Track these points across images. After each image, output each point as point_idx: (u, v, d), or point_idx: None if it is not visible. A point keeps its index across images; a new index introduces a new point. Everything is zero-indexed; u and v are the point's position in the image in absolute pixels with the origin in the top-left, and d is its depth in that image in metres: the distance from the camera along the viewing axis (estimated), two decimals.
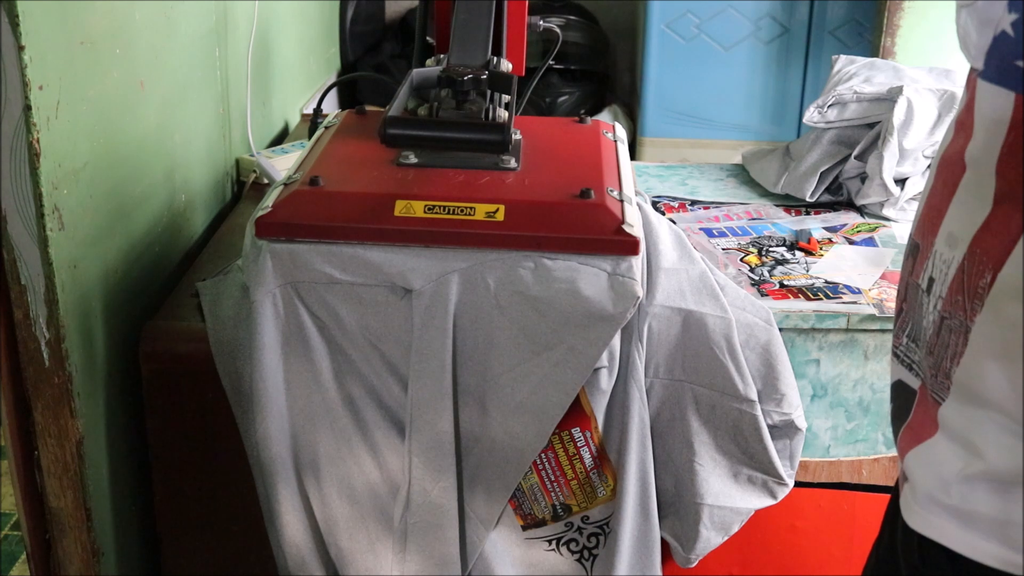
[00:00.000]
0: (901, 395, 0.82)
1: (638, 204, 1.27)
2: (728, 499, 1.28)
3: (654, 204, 1.65)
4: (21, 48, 1.02)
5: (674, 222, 1.43)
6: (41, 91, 1.07)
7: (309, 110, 2.22)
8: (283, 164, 1.77)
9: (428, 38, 1.57)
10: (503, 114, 1.25)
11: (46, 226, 1.10)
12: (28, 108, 1.05)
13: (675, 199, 1.74)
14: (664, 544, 1.30)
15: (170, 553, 1.40)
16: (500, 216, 1.17)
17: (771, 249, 1.53)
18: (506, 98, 1.28)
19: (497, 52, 1.35)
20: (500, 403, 1.21)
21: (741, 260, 1.49)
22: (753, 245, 1.54)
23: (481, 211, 1.17)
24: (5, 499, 2.01)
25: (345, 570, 1.29)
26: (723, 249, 1.53)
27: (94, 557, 1.24)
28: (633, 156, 1.93)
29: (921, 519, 0.76)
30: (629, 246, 1.15)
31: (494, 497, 1.26)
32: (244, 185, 1.81)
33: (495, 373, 1.20)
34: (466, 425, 1.24)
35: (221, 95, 1.70)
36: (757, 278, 1.43)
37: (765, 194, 1.74)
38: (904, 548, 0.79)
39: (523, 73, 1.45)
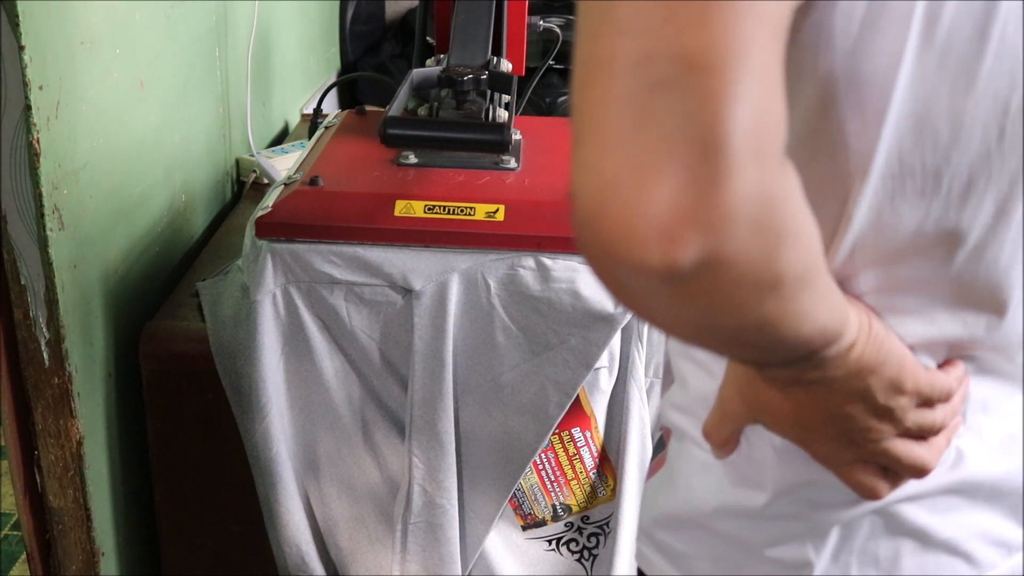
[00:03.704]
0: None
1: None
2: None
3: None
4: (21, 48, 1.02)
5: None
6: (41, 91, 1.07)
7: (309, 110, 2.21)
8: (283, 164, 1.77)
9: (428, 38, 1.58)
10: (503, 114, 1.25)
11: (46, 226, 1.09)
12: (28, 108, 1.04)
13: None
14: None
15: (170, 553, 1.40)
16: (500, 216, 1.17)
17: None
18: (506, 98, 1.28)
19: (497, 52, 1.35)
20: (500, 403, 1.21)
21: None
22: None
23: (481, 211, 1.18)
24: (5, 499, 2.00)
25: (345, 570, 1.29)
26: None
27: (94, 557, 1.24)
28: None
29: (637, 549, 0.74)
30: None
31: (494, 497, 1.26)
32: (244, 185, 1.81)
33: (495, 373, 1.20)
34: (466, 424, 1.24)
35: (221, 95, 1.70)
36: None
37: None
38: None
39: (523, 73, 1.45)
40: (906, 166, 0.52)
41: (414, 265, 1.16)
